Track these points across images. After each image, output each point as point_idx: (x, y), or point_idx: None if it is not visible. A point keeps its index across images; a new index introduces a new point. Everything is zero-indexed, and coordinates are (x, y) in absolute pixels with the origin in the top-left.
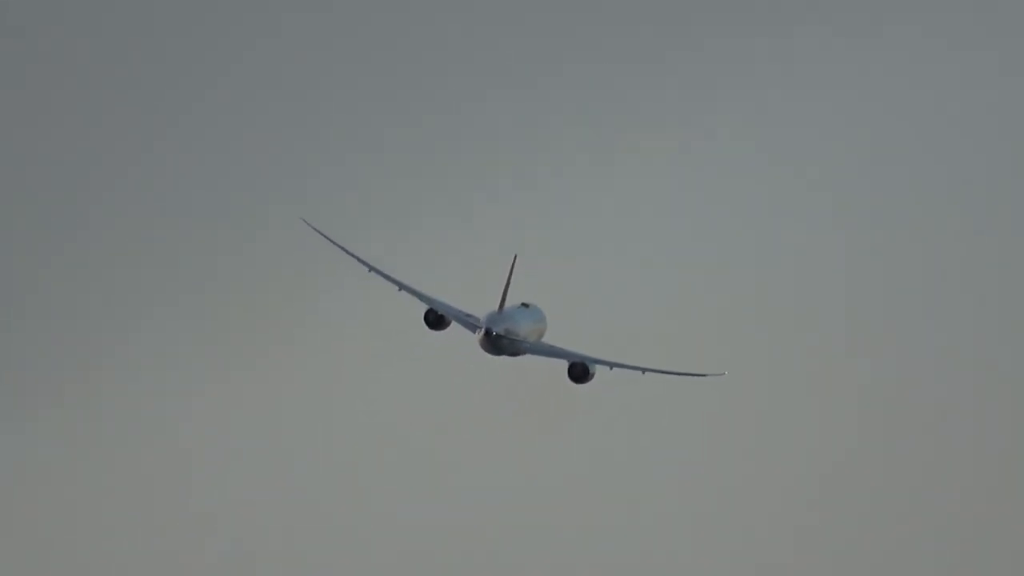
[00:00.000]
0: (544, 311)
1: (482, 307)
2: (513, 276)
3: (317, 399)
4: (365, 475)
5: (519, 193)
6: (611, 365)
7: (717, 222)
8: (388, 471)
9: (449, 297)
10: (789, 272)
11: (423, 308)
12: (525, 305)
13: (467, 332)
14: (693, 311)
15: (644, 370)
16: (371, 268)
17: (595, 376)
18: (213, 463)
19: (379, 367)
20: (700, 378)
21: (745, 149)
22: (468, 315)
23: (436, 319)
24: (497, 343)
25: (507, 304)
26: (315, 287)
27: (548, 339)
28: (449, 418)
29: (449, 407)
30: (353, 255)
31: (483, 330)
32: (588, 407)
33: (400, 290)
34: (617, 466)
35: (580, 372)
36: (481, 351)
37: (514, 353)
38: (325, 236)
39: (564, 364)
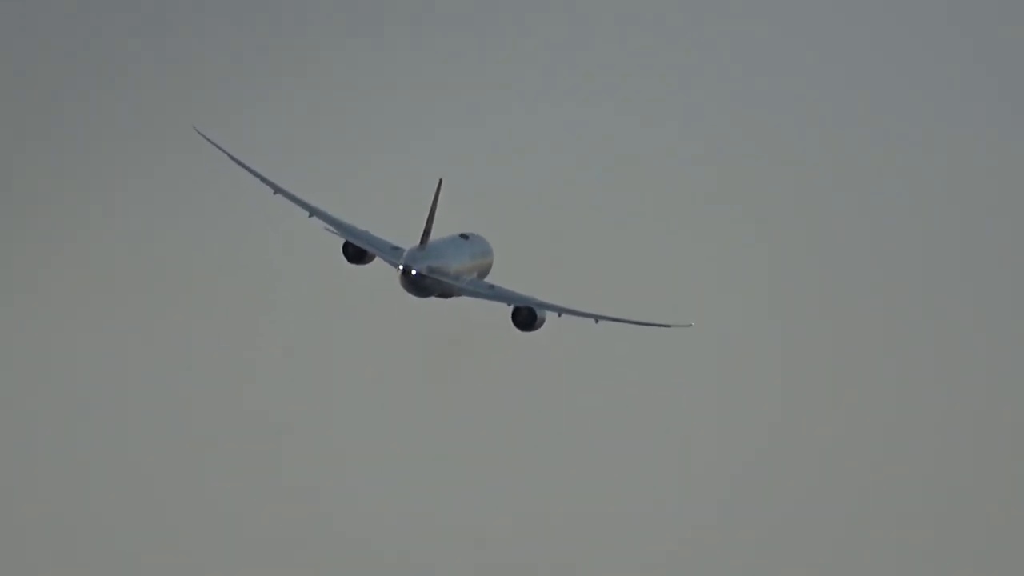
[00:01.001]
0: (490, 243)
1: (411, 238)
2: (439, 204)
3: (206, 344)
4: (252, 435)
5: (455, 104)
6: (560, 311)
7: (693, 147)
8: (285, 432)
9: (372, 225)
10: (769, 209)
11: (338, 239)
12: (464, 236)
13: (392, 268)
14: (658, 253)
15: (598, 318)
16: (277, 189)
17: (543, 323)
18: (93, 394)
19: (283, 307)
20: (663, 329)
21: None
22: (394, 247)
23: (355, 252)
24: (419, 283)
25: (440, 235)
26: (212, 210)
27: (493, 279)
28: (363, 370)
29: (365, 357)
30: (256, 173)
31: (401, 268)
32: (531, 360)
33: (311, 216)
34: (562, 431)
35: (526, 318)
36: (404, 291)
37: (444, 295)
38: (223, 150)
39: (507, 309)
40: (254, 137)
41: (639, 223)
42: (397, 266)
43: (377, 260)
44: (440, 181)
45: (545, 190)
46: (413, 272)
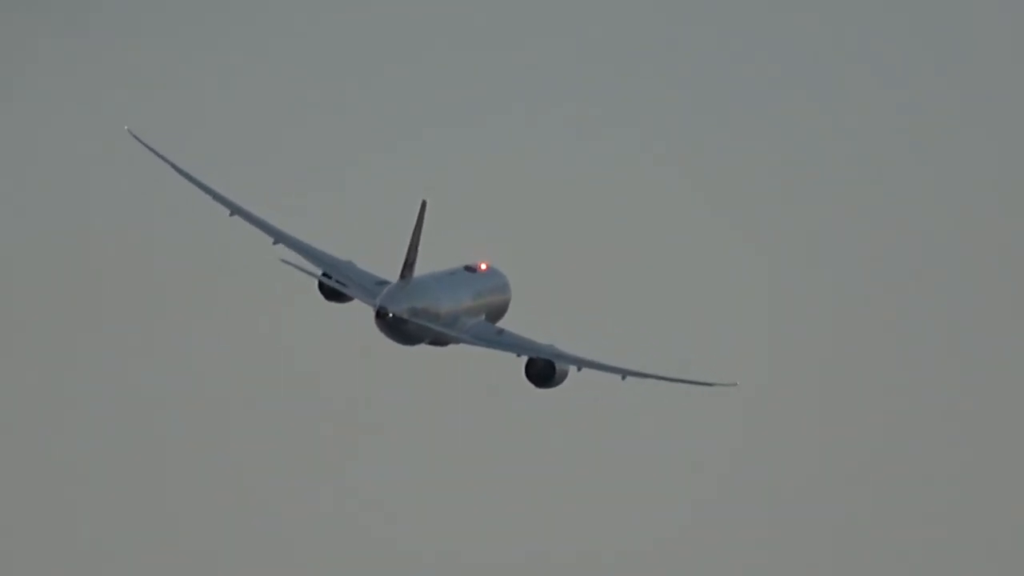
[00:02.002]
0: (506, 277)
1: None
2: (422, 231)
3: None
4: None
5: (459, 108)
6: (580, 364)
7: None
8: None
9: (354, 254)
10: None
11: (306, 271)
12: (470, 269)
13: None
14: (697, 297)
15: (625, 374)
16: (235, 210)
17: (565, 378)
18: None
19: (238, 357)
20: (703, 388)
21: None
22: (380, 282)
23: (333, 290)
24: (400, 329)
25: (437, 267)
26: (159, 236)
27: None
28: (326, 437)
29: (335, 418)
30: (209, 190)
31: (375, 309)
32: (538, 423)
33: (276, 243)
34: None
35: (543, 371)
36: (385, 337)
37: (438, 342)
38: (165, 159)
39: (517, 359)
40: (204, 143)
41: (673, 262)
42: (373, 306)
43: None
44: (424, 203)
45: (563, 220)
46: (390, 315)
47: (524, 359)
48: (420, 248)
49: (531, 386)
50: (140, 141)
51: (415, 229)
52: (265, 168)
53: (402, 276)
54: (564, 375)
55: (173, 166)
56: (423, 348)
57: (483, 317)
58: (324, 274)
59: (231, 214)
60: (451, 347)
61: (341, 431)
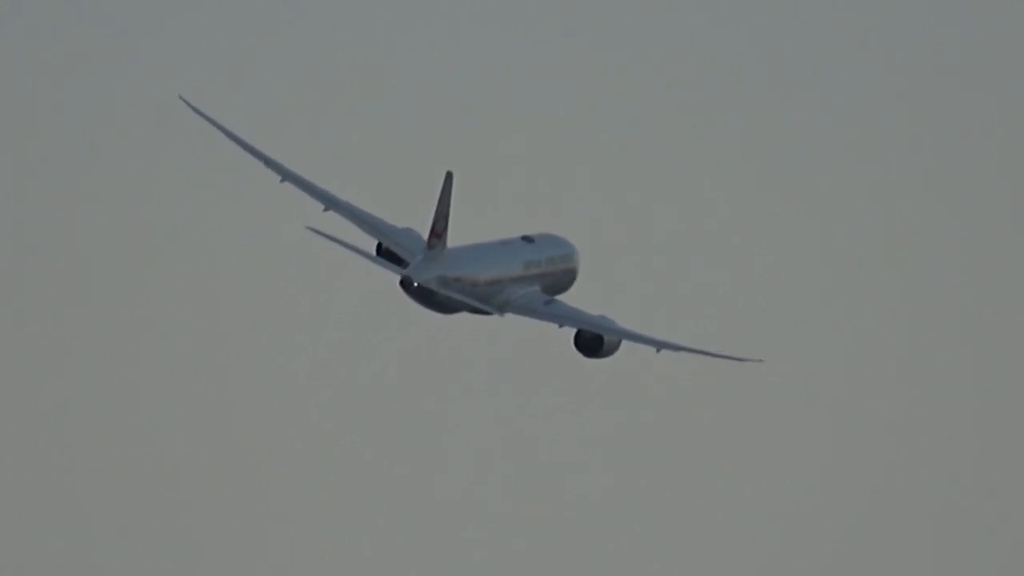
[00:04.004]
0: (572, 245)
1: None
2: (451, 202)
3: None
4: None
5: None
6: (622, 336)
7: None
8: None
9: (415, 222)
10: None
11: (335, 240)
12: (528, 239)
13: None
14: (738, 270)
15: (660, 347)
16: (285, 175)
17: (616, 349)
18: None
19: (283, 326)
20: (735, 363)
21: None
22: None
23: (391, 258)
24: (427, 298)
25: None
26: (208, 197)
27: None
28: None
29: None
30: (259, 153)
31: (400, 278)
32: (570, 391)
33: (327, 210)
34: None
35: (591, 342)
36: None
37: (479, 311)
38: (217, 124)
39: (558, 330)
40: (252, 109)
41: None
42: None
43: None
44: (450, 174)
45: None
46: (414, 284)
47: (574, 330)
48: (451, 219)
49: (580, 356)
50: (193, 108)
51: (441, 200)
52: (319, 135)
53: (429, 246)
54: (614, 346)
55: (226, 132)
56: (464, 316)
57: (538, 287)
58: (344, 244)
59: (282, 180)
60: (496, 316)
61: (362, 401)
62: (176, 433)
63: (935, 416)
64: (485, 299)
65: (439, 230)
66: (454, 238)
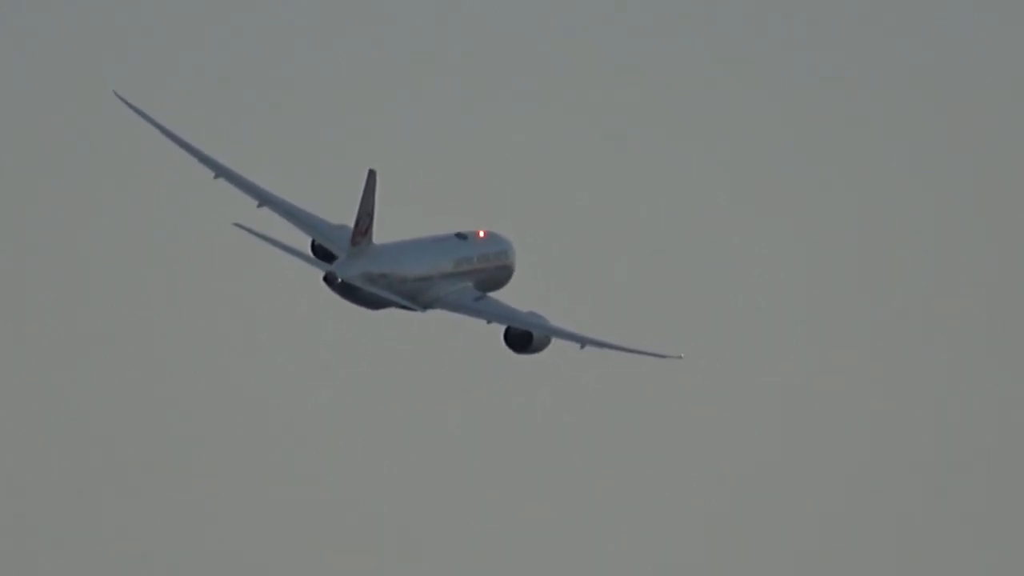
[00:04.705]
0: (508, 241)
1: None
2: (374, 200)
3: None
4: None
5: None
6: (550, 334)
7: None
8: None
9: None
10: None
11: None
12: (461, 236)
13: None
14: (667, 268)
15: (584, 343)
16: (219, 171)
17: (545, 345)
18: None
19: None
20: (655, 359)
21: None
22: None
23: (325, 254)
24: (351, 294)
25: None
26: (140, 194)
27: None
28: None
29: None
30: (194, 150)
31: (323, 274)
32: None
33: (261, 206)
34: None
35: (520, 339)
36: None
37: (405, 306)
38: (151, 120)
39: (485, 326)
40: (187, 105)
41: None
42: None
43: None
44: (372, 172)
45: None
46: (338, 280)
47: (503, 328)
48: (376, 216)
49: (510, 352)
50: (126, 103)
51: (364, 197)
52: (255, 131)
53: (354, 243)
54: (544, 342)
55: (160, 128)
56: (392, 312)
57: (471, 284)
58: (274, 241)
59: (216, 176)
60: (428, 313)
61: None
62: (89, 432)
63: (868, 407)
64: (413, 295)
65: (363, 227)
66: (395, 235)
